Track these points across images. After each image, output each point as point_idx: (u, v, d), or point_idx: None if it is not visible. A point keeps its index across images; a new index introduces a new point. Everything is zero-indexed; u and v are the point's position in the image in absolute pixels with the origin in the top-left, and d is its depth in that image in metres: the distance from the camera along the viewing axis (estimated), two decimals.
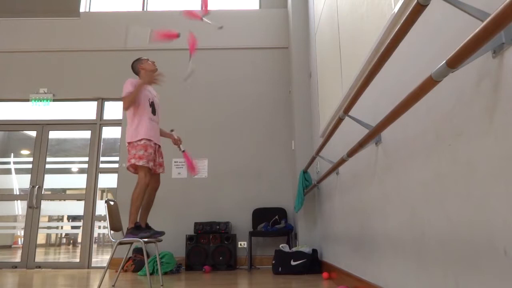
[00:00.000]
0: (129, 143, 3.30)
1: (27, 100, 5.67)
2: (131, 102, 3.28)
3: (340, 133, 3.00)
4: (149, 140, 3.31)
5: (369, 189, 2.30)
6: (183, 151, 3.65)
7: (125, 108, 3.30)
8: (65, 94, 5.72)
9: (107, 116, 5.75)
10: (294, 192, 4.80)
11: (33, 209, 5.37)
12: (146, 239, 3.12)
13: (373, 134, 1.74)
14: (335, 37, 3.29)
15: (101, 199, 5.53)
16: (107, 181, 5.65)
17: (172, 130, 3.72)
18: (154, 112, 3.44)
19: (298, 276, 3.89)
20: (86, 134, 5.69)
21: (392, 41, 1.37)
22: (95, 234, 5.46)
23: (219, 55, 5.77)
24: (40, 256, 5.42)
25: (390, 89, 1.94)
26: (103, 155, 5.63)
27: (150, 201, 3.38)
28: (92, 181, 5.44)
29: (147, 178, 3.23)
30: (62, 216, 6.00)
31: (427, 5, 1.18)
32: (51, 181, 5.57)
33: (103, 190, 5.88)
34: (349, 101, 2.06)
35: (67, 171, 5.85)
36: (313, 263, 4.06)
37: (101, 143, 5.65)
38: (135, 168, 3.29)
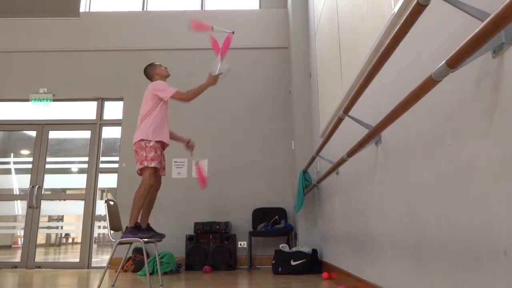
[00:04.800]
0: (140, 140, 3.28)
1: (27, 100, 5.67)
2: (194, 96, 3.42)
3: (340, 133, 2.99)
4: (159, 142, 3.34)
5: (369, 189, 2.30)
6: (197, 163, 3.74)
7: (189, 100, 3.45)
8: (65, 94, 5.72)
9: (107, 116, 5.75)
10: (294, 192, 4.80)
11: (33, 209, 5.37)
12: (146, 239, 3.12)
13: (373, 134, 1.74)
14: (335, 37, 3.29)
15: (101, 199, 5.53)
16: (107, 181, 5.65)
17: (189, 140, 3.74)
18: None
19: (298, 276, 3.89)
20: (86, 134, 5.69)
21: (392, 41, 1.37)
22: (95, 234, 5.46)
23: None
24: (40, 256, 5.42)
25: (390, 89, 1.94)
26: (103, 155, 5.63)
27: (151, 201, 3.38)
28: (92, 181, 5.44)
29: (152, 179, 3.24)
30: (62, 216, 6.00)
31: (427, 5, 1.17)
32: (51, 181, 5.57)
33: (103, 190, 5.87)
34: (349, 101, 2.06)
35: (67, 171, 5.85)
36: (313, 263, 4.06)
37: (101, 143, 5.65)
38: (141, 169, 3.28)
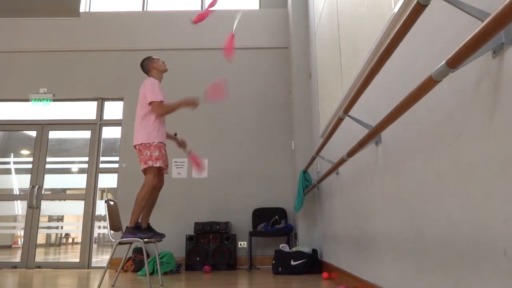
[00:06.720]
0: (141, 144, 3.26)
1: (27, 100, 5.67)
2: (167, 113, 3.37)
3: (340, 133, 2.99)
4: (162, 142, 3.33)
5: (369, 189, 2.30)
6: (189, 151, 3.79)
7: (161, 115, 3.34)
8: (65, 94, 5.72)
9: (107, 116, 5.75)
10: (294, 192, 4.80)
11: (33, 209, 5.37)
12: (145, 239, 3.12)
13: (373, 134, 1.74)
14: (335, 37, 3.29)
15: (101, 199, 5.53)
16: (107, 181, 5.65)
17: (175, 134, 3.75)
18: None
19: (298, 276, 3.89)
20: (86, 134, 5.69)
21: (392, 41, 1.37)
22: (95, 234, 5.46)
23: (219, 55, 5.76)
24: (40, 256, 5.42)
25: (390, 89, 1.94)
26: (103, 155, 5.63)
27: (153, 201, 3.37)
28: (92, 181, 5.44)
29: (155, 180, 3.23)
30: (62, 216, 6.01)
31: (427, 5, 1.17)
32: (51, 181, 5.57)
33: (103, 190, 5.87)
34: (349, 101, 2.06)
35: (67, 171, 5.84)
36: (313, 263, 4.06)
37: (101, 143, 5.65)
38: (145, 169, 3.25)
